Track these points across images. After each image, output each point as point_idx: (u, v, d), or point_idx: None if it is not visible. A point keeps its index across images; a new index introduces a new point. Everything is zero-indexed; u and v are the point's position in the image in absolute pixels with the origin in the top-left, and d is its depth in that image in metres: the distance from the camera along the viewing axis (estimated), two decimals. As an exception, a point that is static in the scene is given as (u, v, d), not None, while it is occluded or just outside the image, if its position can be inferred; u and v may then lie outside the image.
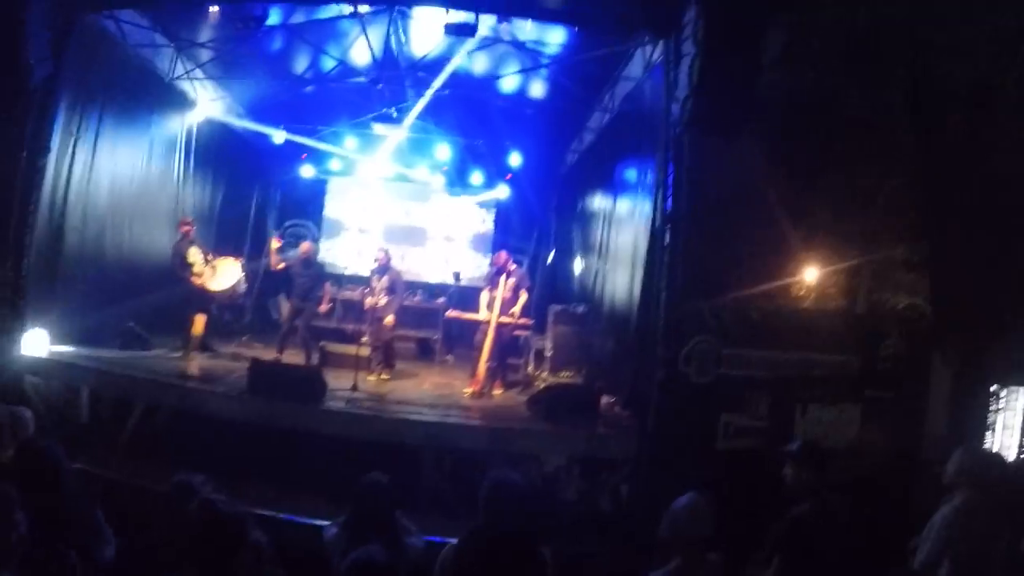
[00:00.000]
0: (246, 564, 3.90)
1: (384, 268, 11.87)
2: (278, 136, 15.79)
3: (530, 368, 13.13)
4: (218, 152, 15.37)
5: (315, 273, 12.57)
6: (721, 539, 4.78)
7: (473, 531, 4.16)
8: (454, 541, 4.27)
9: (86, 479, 4.94)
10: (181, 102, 13.58)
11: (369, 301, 11.70)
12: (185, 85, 13.46)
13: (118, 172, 11.91)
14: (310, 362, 12.01)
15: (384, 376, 11.52)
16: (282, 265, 12.28)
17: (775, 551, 5.03)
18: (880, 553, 5.80)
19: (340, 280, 12.98)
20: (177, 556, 3.61)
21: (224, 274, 11.97)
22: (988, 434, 9.73)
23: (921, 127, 9.50)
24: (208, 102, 14.39)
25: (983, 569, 4.34)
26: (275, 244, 12.62)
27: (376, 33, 11.57)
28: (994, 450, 9.01)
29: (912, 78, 9.43)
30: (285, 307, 12.79)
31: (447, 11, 9.87)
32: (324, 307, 12.44)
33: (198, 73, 13.49)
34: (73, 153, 10.60)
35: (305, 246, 12.72)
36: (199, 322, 11.78)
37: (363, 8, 10.25)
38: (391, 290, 11.72)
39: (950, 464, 5.49)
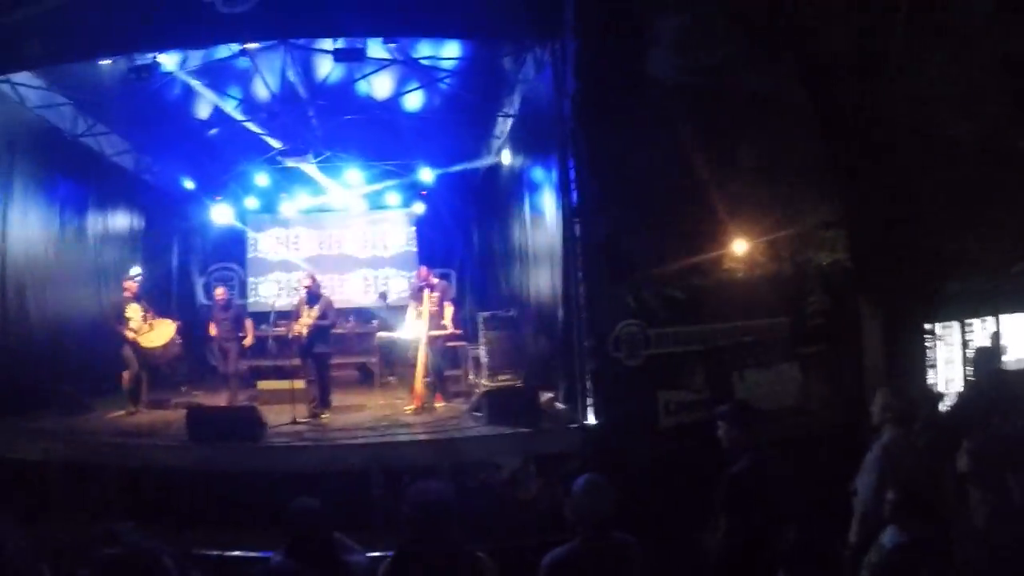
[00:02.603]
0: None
1: (314, 296, 11.52)
2: (188, 182, 15.76)
3: (470, 377, 13.24)
4: (131, 205, 15.27)
5: (234, 315, 12.86)
6: (672, 514, 4.92)
7: (401, 546, 4.22)
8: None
9: (34, 543, 4.95)
10: (88, 159, 13.45)
11: (296, 328, 11.34)
12: (90, 141, 13.34)
13: (32, 235, 11.81)
14: (235, 401, 12.13)
15: (325, 416, 10.98)
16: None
17: (720, 512, 5.19)
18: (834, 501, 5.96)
19: (270, 317, 12.93)
20: None
21: (158, 333, 11.91)
22: (931, 371, 10.06)
23: (815, 97, 9.84)
24: (115, 156, 14.26)
25: (927, 496, 4.50)
26: (220, 293, 13.11)
27: (272, 68, 11.59)
28: (919, 384, 9.34)
29: (801, 51, 9.76)
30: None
31: (334, 40, 9.95)
32: (248, 340, 12.67)
33: (101, 128, 13.40)
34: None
35: (219, 291, 13.16)
36: (127, 377, 11.70)
37: (252, 45, 10.25)
38: (322, 316, 11.27)
39: (874, 405, 5.70)
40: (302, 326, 11.13)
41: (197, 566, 4.54)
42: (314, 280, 11.79)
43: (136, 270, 12.61)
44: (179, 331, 12.31)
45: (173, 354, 12.41)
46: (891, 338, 9.87)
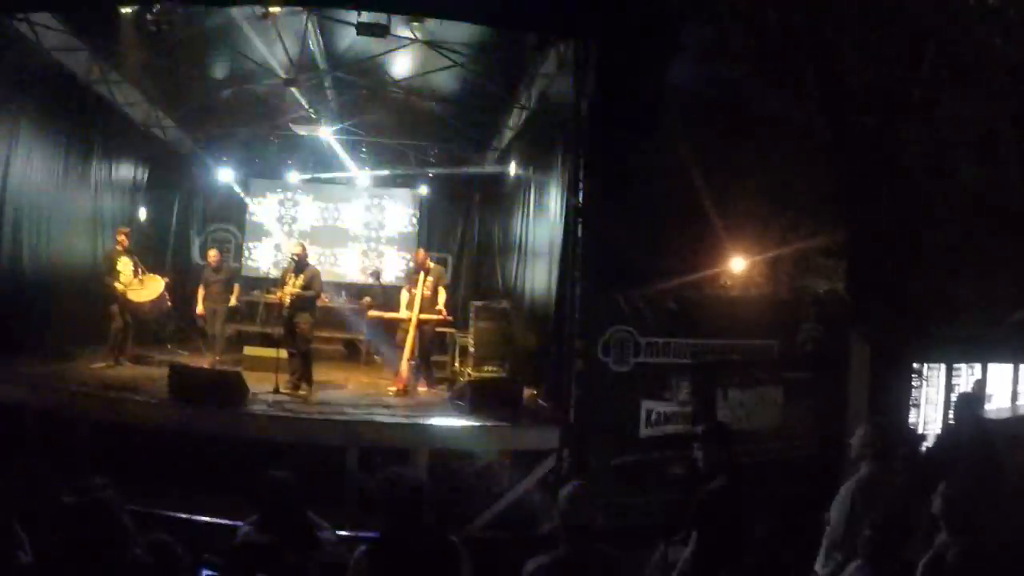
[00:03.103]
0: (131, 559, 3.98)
1: (302, 265, 11.21)
2: (196, 140, 15.75)
3: (456, 365, 13.23)
4: (137, 158, 15.20)
5: (225, 278, 12.76)
6: (643, 522, 4.93)
7: (380, 535, 4.22)
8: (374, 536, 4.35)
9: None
10: (99, 107, 13.30)
11: (279, 295, 11.21)
12: (102, 89, 13.21)
13: (34, 178, 11.71)
14: (217, 363, 12.12)
15: (302, 392, 10.70)
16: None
17: (691, 528, 5.21)
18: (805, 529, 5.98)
19: (263, 283, 12.88)
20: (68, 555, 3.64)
21: (147, 288, 11.85)
22: (913, 410, 10.11)
23: (833, 126, 9.86)
24: (126, 106, 14.19)
25: (899, 535, 4.51)
26: (213, 255, 12.99)
27: (293, 34, 11.55)
28: (900, 422, 9.38)
29: (822, 79, 9.78)
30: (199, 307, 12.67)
31: (359, 13, 9.91)
32: (231, 302, 12.67)
33: (115, 76, 13.28)
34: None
35: (212, 253, 13.06)
36: (113, 329, 11.71)
37: (274, 9, 10.20)
38: (307, 287, 10.98)
39: (854, 438, 5.69)
40: (285, 294, 10.95)
41: (164, 527, 4.55)
42: (304, 249, 11.46)
43: (126, 229, 12.44)
44: (168, 288, 12.22)
45: (160, 310, 12.33)
46: (878, 373, 9.90)
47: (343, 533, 5.12)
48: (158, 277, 12.18)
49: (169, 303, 12.32)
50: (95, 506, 3.63)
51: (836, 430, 9.22)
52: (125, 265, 11.73)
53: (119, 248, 11.86)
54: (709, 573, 5.02)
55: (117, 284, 11.59)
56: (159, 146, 15.86)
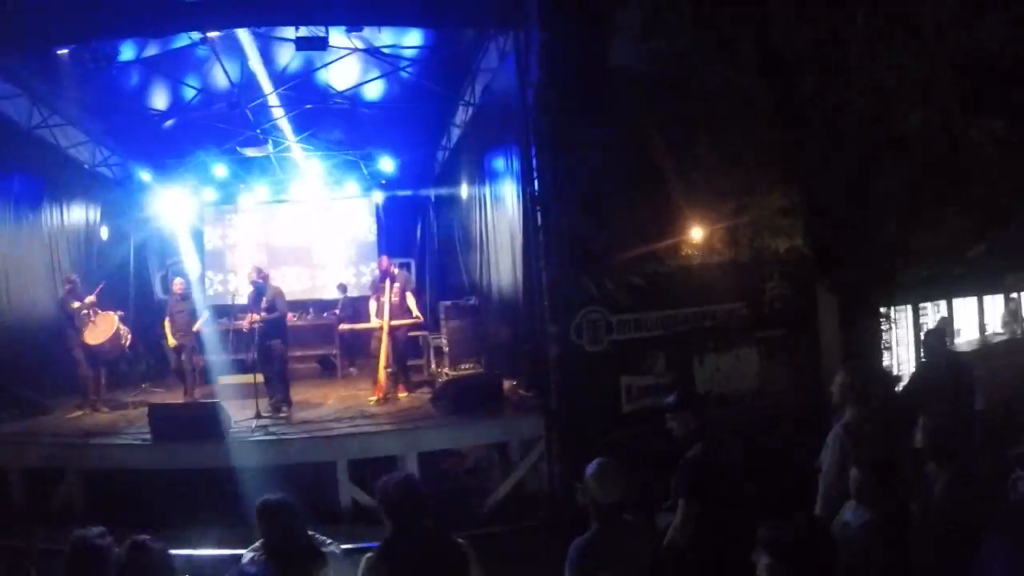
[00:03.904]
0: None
1: (261, 288, 11.15)
2: (145, 175, 15.63)
3: (432, 366, 13.27)
4: (87, 198, 15.06)
5: (191, 307, 12.60)
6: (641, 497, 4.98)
7: (386, 539, 4.25)
8: (374, 545, 4.37)
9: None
10: (43, 151, 13.20)
11: (246, 322, 11.14)
12: (45, 133, 13.12)
13: (-16, 233, 11.55)
14: (191, 395, 12.05)
15: (283, 413, 10.69)
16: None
17: (677, 496, 5.27)
18: (796, 484, 6.06)
19: (230, 311, 12.78)
20: None
21: (101, 327, 11.72)
22: (885, 353, 10.29)
23: (773, 90, 9.99)
24: (71, 148, 14.07)
25: (887, 473, 4.60)
26: (178, 284, 12.79)
27: (233, 56, 11.50)
28: (875, 366, 9.55)
29: (758, 45, 9.90)
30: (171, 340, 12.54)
31: (296, 28, 9.89)
32: (198, 326, 12.49)
33: (57, 119, 13.18)
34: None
35: (177, 282, 12.84)
36: (80, 377, 11.62)
37: (212, 33, 10.15)
38: (271, 308, 10.90)
39: (834, 385, 5.80)
40: (251, 321, 10.92)
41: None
42: (259, 272, 11.39)
43: (72, 276, 12.34)
44: (123, 320, 12.07)
45: (121, 347, 12.16)
46: (847, 322, 10.08)
47: (346, 547, 5.14)
48: (110, 313, 12.02)
49: (126, 338, 12.15)
50: (94, 554, 3.65)
51: (814, 381, 9.37)
52: (77, 309, 11.57)
53: (71, 293, 11.72)
54: (698, 538, 5.08)
55: (83, 332, 11.48)
56: (108, 184, 15.73)
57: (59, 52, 10.50)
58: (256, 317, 10.86)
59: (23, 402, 11.27)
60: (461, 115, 14.11)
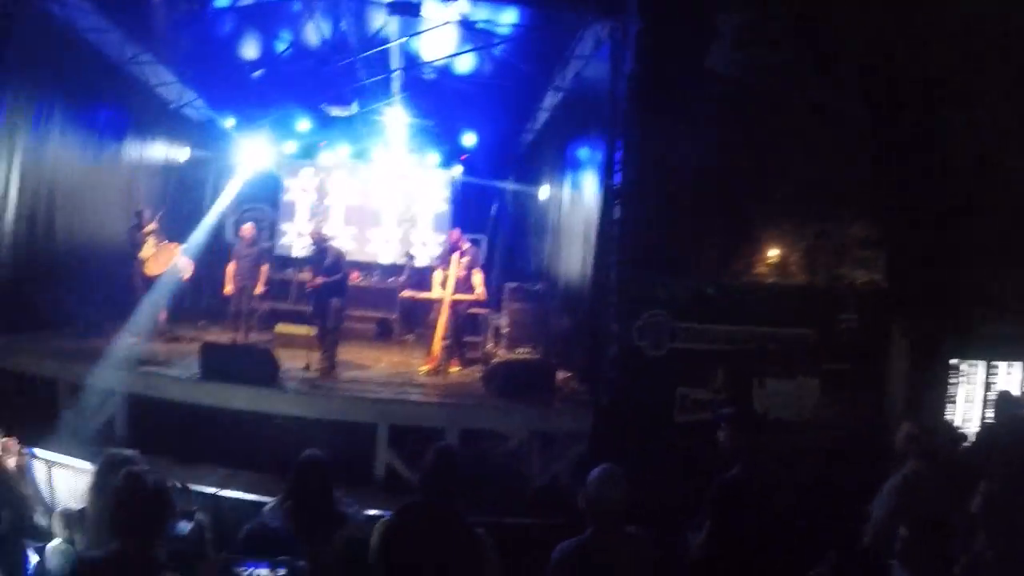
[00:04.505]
0: (184, 537, 3.99)
1: (323, 248, 11.19)
2: (229, 120, 15.78)
3: (489, 346, 13.20)
4: (170, 136, 15.26)
5: (256, 253, 12.74)
6: (676, 510, 4.85)
7: (408, 504, 4.21)
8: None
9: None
10: (131, 87, 13.40)
11: (309, 282, 11.28)
12: (134, 69, 13.29)
13: (69, 158, 11.80)
14: (244, 338, 12.20)
15: (330, 369, 10.68)
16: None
17: (706, 514, 5.13)
18: (840, 522, 5.87)
19: (295, 262, 12.86)
20: (109, 526, 3.65)
21: (161, 258, 11.91)
22: (949, 406, 9.94)
23: (875, 115, 9.67)
24: (159, 86, 14.24)
25: (940, 535, 4.38)
26: (247, 229, 12.94)
27: (326, 14, 11.50)
28: (943, 420, 9.21)
29: (866, 67, 9.59)
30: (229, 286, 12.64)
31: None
32: (259, 289, 12.59)
33: (147, 57, 13.29)
34: (22, 139, 10.49)
35: (245, 228, 13.01)
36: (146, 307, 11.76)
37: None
38: (333, 270, 10.94)
39: (899, 433, 5.60)
40: (313, 283, 11.09)
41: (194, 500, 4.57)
42: (320, 234, 11.42)
43: (148, 209, 12.59)
44: (186, 254, 12.28)
45: (177, 279, 12.24)
46: (916, 367, 9.72)
47: (372, 512, 5.10)
48: (172, 245, 12.22)
49: (185, 272, 12.24)
50: (149, 492, 3.65)
51: (874, 423, 9.07)
52: (150, 243, 11.89)
53: (146, 228, 12.02)
54: (718, 561, 4.95)
55: (135, 262, 11.78)
56: (192, 126, 15.94)
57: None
58: (319, 280, 10.93)
59: (83, 322, 11.49)
60: (550, 99, 13.93)
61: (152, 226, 11.94)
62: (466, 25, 11.54)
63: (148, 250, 11.77)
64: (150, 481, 3.67)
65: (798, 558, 5.07)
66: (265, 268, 13.00)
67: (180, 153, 15.87)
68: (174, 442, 8.01)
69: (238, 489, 6.59)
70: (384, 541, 4.14)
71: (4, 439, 5.09)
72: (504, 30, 11.82)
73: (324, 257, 11.04)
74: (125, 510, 3.59)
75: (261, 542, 4.19)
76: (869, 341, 9.88)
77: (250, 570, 3.85)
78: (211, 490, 6.17)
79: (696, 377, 9.20)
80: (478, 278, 11.71)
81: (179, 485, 4.64)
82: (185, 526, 4.28)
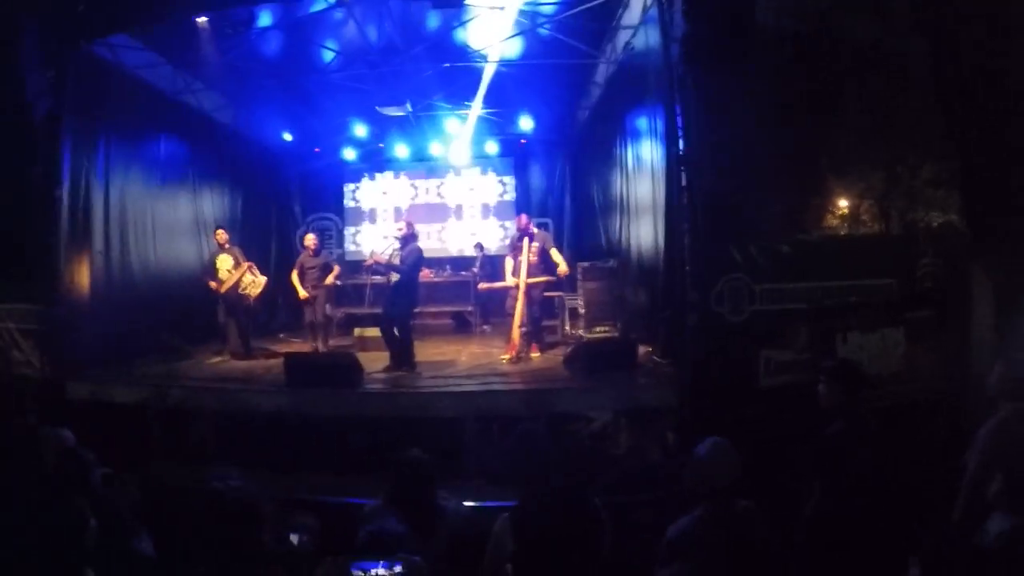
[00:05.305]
0: (295, 548, 4.04)
1: (407, 240, 10.88)
2: (287, 135, 15.97)
3: (567, 327, 13.13)
4: (232, 158, 15.51)
5: (323, 262, 12.82)
6: (762, 480, 4.73)
7: (527, 493, 4.18)
8: (500, 504, 4.32)
9: (118, 480, 5.11)
10: (187, 115, 13.70)
11: (370, 258, 11.44)
12: (188, 98, 13.58)
13: (135, 190, 12.15)
14: (323, 346, 12.39)
15: (404, 372, 10.45)
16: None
17: (814, 474, 5.00)
18: (934, 478, 5.69)
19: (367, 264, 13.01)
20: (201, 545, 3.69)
21: (230, 277, 12.04)
22: (1041, 347, 9.56)
23: (933, 49, 9.35)
24: (214, 111, 14.50)
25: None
26: (310, 239, 13.04)
27: (369, 17, 11.54)
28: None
29: (917, 4, 9.30)
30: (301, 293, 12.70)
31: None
32: (328, 280, 12.73)
33: (199, 85, 13.61)
34: (87, 180, 10.76)
35: (309, 238, 13.13)
36: (230, 326, 12.06)
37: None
38: (403, 262, 10.72)
39: (991, 376, 5.35)
40: (374, 259, 11.38)
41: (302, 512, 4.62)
42: (409, 225, 11.14)
43: (221, 229, 12.80)
44: (253, 271, 12.26)
45: (245, 296, 12.15)
46: (1004, 306, 9.38)
47: (468, 504, 5.11)
48: (247, 264, 12.28)
49: (253, 288, 12.17)
50: (238, 500, 3.67)
51: (962, 370, 8.79)
52: (224, 262, 12.05)
53: (221, 247, 12.26)
54: (835, 524, 4.80)
55: (212, 283, 11.95)
56: (250, 144, 16.15)
57: (198, 20, 10.80)
58: (380, 257, 11.17)
59: (166, 348, 11.77)
60: (602, 73, 13.80)
61: (226, 246, 12.14)
62: (510, 9, 11.47)
63: (224, 270, 11.92)
64: (231, 498, 3.70)
65: (908, 512, 4.93)
66: (336, 268, 13.21)
67: (243, 173, 16.07)
68: (268, 455, 8.11)
69: (338, 494, 6.67)
70: (518, 528, 4.14)
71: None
72: (547, 8, 11.73)
73: (404, 247, 10.90)
74: (211, 528, 3.64)
75: (374, 543, 4.22)
76: (951, 286, 9.57)
77: (368, 570, 3.85)
78: (315, 498, 6.26)
79: (779, 339, 8.99)
80: (558, 255, 11.71)
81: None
82: (295, 537, 4.33)
